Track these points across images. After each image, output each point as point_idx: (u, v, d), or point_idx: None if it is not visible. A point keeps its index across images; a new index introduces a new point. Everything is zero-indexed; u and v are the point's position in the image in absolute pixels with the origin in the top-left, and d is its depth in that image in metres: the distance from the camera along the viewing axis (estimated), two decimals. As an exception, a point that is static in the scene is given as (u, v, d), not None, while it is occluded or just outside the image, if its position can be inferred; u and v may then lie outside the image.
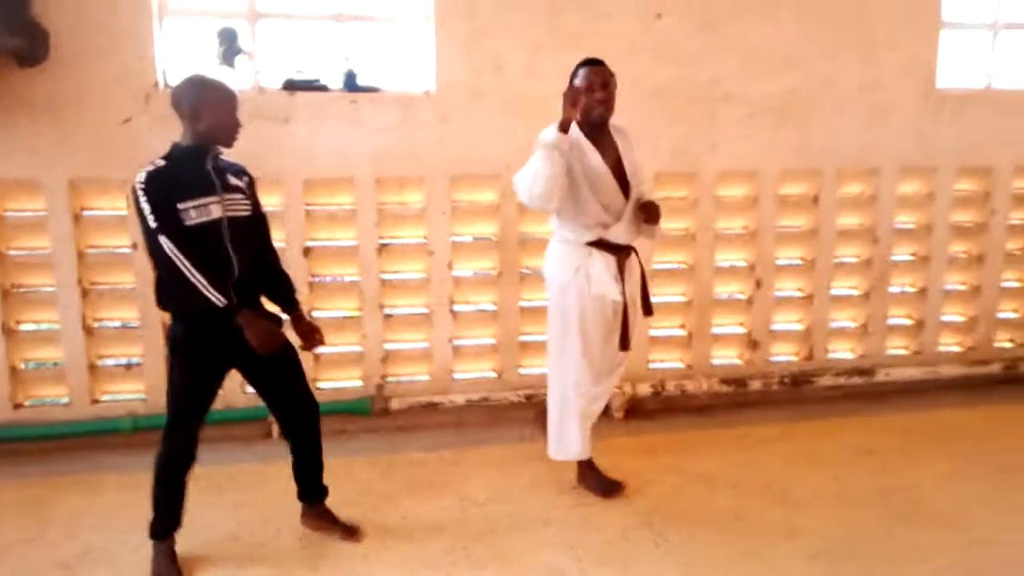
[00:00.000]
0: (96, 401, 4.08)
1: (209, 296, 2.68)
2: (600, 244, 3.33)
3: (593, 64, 3.26)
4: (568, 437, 3.51)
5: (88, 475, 3.76)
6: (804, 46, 4.41)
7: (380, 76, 4.16)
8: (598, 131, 3.29)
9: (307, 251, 4.13)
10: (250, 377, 3.05)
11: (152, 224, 2.66)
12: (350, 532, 3.21)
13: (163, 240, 2.66)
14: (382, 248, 4.21)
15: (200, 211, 2.73)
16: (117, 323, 4.10)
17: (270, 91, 4.00)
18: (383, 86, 4.14)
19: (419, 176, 4.18)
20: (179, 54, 3.96)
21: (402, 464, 3.92)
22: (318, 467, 3.21)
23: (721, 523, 3.35)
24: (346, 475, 3.75)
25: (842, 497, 3.54)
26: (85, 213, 3.98)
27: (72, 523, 3.33)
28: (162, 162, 2.75)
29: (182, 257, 2.66)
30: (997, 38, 4.73)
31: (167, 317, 2.97)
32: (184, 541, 3.04)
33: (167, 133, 3.79)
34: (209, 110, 2.75)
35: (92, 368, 4.05)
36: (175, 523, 2.97)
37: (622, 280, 3.36)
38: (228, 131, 2.81)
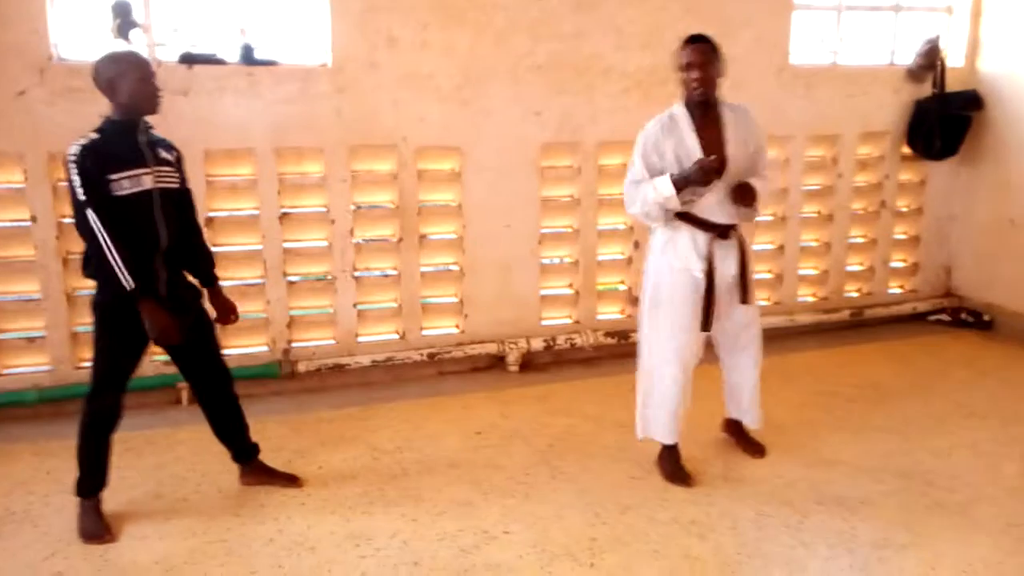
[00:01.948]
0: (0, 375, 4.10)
1: (119, 276, 2.81)
2: (690, 219, 3.32)
3: (693, 42, 3.20)
4: (653, 418, 3.49)
5: (1, 445, 3.80)
6: (666, 25, 4.76)
7: (277, 49, 4.29)
8: (704, 108, 3.25)
9: (209, 221, 4.24)
10: (168, 348, 3.16)
11: (81, 197, 2.79)
12: (291, 480, 3.44)
13: (89, 214, 2.79)
14: (284, 217, 4.37)
15: (132, 182, 2.87)
16: (18, 296, 4.11)
17: (167, 64, 4.07)
18: (280, 59, 4.28)
19: (318, 147, 4.35)
20: (73, 27, 3.98)
21: (312, 422, 4.13)
22: (242, 427, 3.40)
23: (610, 455, 3.74)
24: (258, 435, 3.85)
25: (710, 428, 3.95)
26: (-13, 186, 3.97)
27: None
28: (95, 135, 2.87)
29: (104, 233, 2.79)
30: (841, 18, 5.27)
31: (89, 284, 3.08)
32: (108, 500, 3.17)
33: (65, 106, 3.92)
34: (124, 81, 2.87)
35: (-7, 342, 4.07)
36: (101, 482, 3.10)
37: (711, 259, 3.32)
38: (148, 99, 2.93)
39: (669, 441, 3.52)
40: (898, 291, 5.80)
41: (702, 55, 3.18)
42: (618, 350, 5.04)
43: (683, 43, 3.23)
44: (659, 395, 3.47)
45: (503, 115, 4.61)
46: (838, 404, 4.34)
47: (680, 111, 3.29)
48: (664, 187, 3.20)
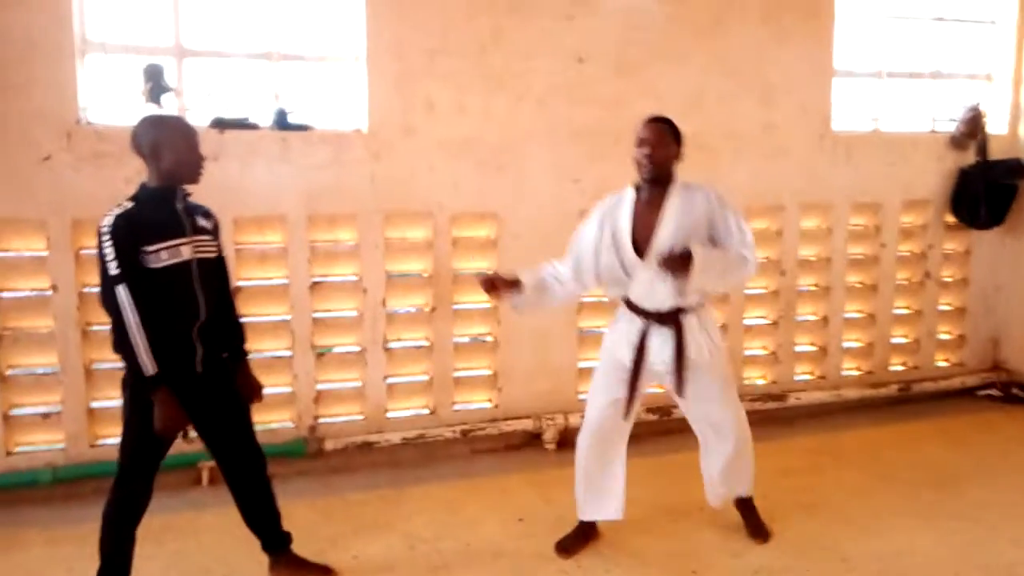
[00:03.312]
0: (11, 453, 3.84)
1: (140, 360, 2.63)
2: (630, 305, 3.27)
3: (648, 122, 3.19)
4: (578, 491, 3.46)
5: (10, 530, 3.55)
6: (707, 91, 4.68)
7: (311, 114, 4.16)
8: (653, 187, 3.18)
9: (236, 291, 4.04)
10: (199, 426, 2.95)
11: (113, 272, 2.62)
12: (326, 572, 3.18)
13: (120, 290, 2.61)
14: (314, 286, 4.18)
15: (171, 252, 2.70)
16: (34, 370, 3.89)
17: (199, 129, 3.92)
18: (314, 124, 4.14)
19: (351, 213, 4.19)
20: (103, 91, 3.85)
21: (341, 505, 3.87)
22: (275, 515, 3.15)
23: (666, 546, 3.47)
24: (286, 519, 3.62)
25: (771, 516, 3.70)
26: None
27: (-7, 583, 3.14)
28: (129, 204, 2.70)
29: (132, 312, 2.61)
30: (882, 84, 5.17)
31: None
32: (128, 595, 2.91)
33: (91, 171, 3.78)
34: (169, 148, 2.72)
35: (6, 418, 3.83)
36: (124, 574, 2.85)
37: (642, 346, 3.21)
38: (191, 167, 2.79)
39: (579, 515, 3.46)
40: (944, 364, 5.57)
41: (655, 134, 3.15)
42: (659, 427, 4.80)
43: (643, 121, 3.19)
44: (576, 467, 3.45)
45: (540, 181, 4.46)
46: (901, 488, 4.07)
47: (628, 191, 3.25)
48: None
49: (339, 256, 4.24)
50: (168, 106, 3.91)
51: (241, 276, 4.08)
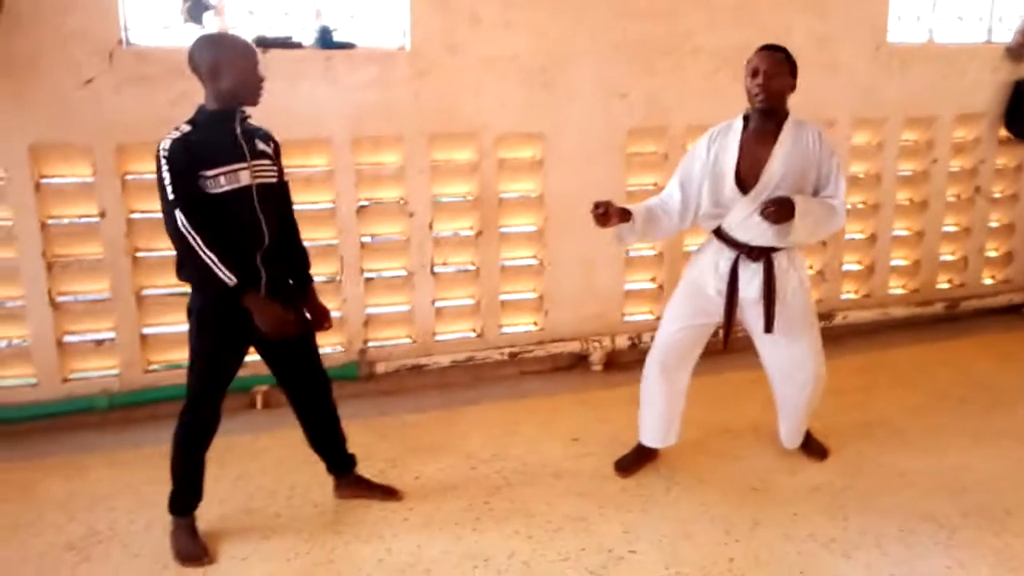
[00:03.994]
0: (67, 380, 3.87)
1: (219, 274, 2.58)
2: (718, 233, 3.18)
3: (761, 49, 3.03)
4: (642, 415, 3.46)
5: (70, 456, 3.59)
6: (760, 1, 4.49)
7: (354, 32, 4.03)
8: (764, 120, 3.05)
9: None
10: (265, 352, 2.94)
11: (171, 196, 2.55)
12: (390, 493, 3.21)
13: (178, 215, 2.55)
14: (360, 210, 4.13)
15: (230, 178, 2.62)
16: (86, 296, 3.89)
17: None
18: (357, 42, 4.02)
19: (396, 135, 4.10)
20: (143, 10, 3.74)
21: (397, 426, 3.90)
22: (340, 438, 3.16)
23: (723, 465, 3.49)
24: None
25: (826, 434, 3.70)
26: (44, 181, 3.74)
27: (68, 506, 3.19)
28: (187, 127, 2.61)
29: (195, 233, 2.56)
30: (937, -7, 4.97)
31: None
32: (199, 516, 2.95)
33: (134, 94, 3.69)
34: (229, 68, 2.61)
35: (60, 345, 3.85)
36: (197, 497, 2.89)
37: (733, 278, 3.15)
38: (252, 88, 2.68)
39: (640, 438, 3.47)
40: (991, 282, 5.49)
41: (770, 63, 2.98)
42: (712, 346, 4.78)
43: (756, 50, 3.04)
44: (641, 390, 3.44)
45: (588, 98, 4.33)
46: (951, 406, 4.06)
47: (738, 121, 3.11)
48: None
49: (384, 179, 4.17)
50: (209, 25, 3.80)
51: (288, 200, 4.03)
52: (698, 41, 4.44)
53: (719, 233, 3.17)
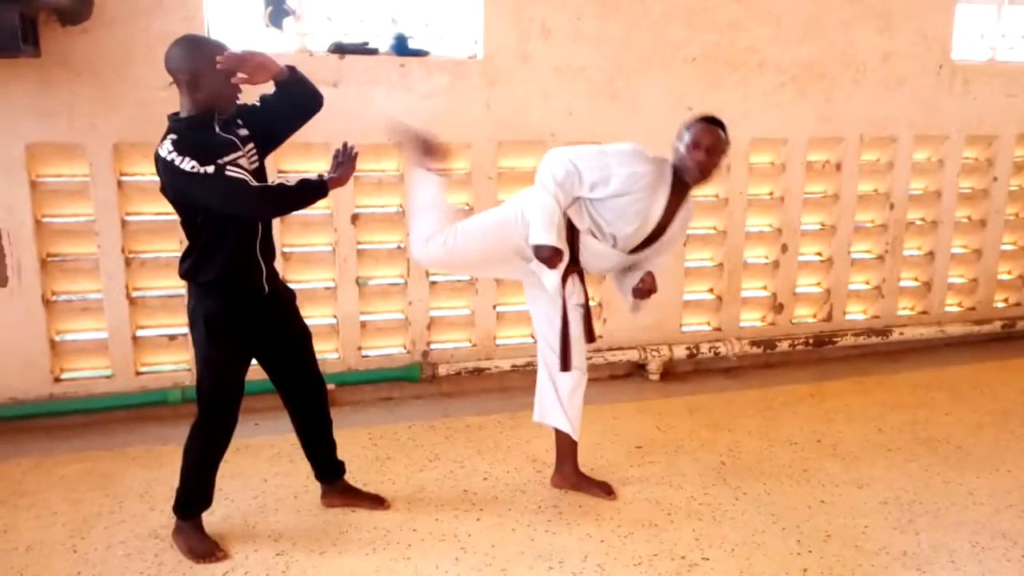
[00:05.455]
0: (139, 373, 3.97)
1: (309, 188, 2.63)
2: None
3: (705, 122, 2.96)
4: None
5: (146, 447, 3.67)
6: (827, 17, 4.52)
7: (427, 40, 4.11)
8: (684, 188, 3.02)
9: (355, 217, 4.08)
10: (263, 356, 2.89)
11: (209, 170, 2.44)
12: (378, 502, 3.17)
13: (229, 172, 2.47)
14: (428, 214, 4.19)
15: (233, 168, 2.53)
16: (159, 292, 3.98)
17: (318, 54, 3.92)
18: (431, 50, 4.10)
19: (467, 142, 4.16)
20: (226, 14, 3.83)
21: (461, 428, 3.95)
22: (331, 444, 3.13)
23: (789, 475, 3.50)
24: (410, 441, 3.78)
25: (890, 448, 3.72)
26: (124, 179, 3.84)
27: (147, 496, 3.26)
28: (175, 136, 2.51)
29: (248, 182, 2.51)
30: (1002, 12, 4.95)
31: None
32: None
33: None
34: (208, 79, 2.52)
35: (135, 339, 3.94)
36: (207, 503, 2.89)
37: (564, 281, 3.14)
38: (228, 99, 2.58)
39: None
40: (1047, 302, 5.47)
41: (713, 139, 2.91)
42: (760, 360, 4.82)
43: (697, 120, 2.97)
44: None
45: (653, 110, 4.37)
46: (1015, 425, 4.05)
47: (668, 170, 3.00)
48: (540, 236, 2.93)
49: (452, 185, 4.22)
50: (288, 30, 3.89)
51: (357, 204, 4.11)
52: (764, 55, 4.47)
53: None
